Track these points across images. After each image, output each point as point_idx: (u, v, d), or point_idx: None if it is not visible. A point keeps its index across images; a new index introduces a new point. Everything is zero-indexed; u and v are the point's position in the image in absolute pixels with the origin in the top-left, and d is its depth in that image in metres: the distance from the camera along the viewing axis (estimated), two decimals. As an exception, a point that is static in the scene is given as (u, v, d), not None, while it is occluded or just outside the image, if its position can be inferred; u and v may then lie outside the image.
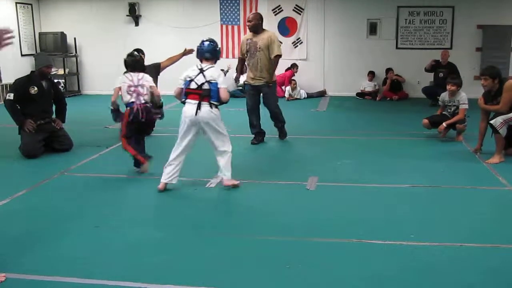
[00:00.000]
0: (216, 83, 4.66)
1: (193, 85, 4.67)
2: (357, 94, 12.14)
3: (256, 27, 6.72)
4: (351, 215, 4.23)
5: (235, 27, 12.74)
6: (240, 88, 12.64)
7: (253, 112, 6.98)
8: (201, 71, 4.68)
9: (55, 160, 6.13)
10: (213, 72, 4.70)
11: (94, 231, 3.89)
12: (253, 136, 7.05)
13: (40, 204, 4.57)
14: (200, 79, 4.65)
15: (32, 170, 5.77)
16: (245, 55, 6.88)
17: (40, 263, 3.33)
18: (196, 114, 4.63)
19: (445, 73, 10.00)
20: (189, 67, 4.80)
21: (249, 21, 6.77)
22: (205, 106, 4.66)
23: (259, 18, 6.77)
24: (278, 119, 7.12)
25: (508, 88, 5.77)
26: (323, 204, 4.53)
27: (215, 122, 4.72)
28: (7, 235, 3.77)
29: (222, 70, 5.09)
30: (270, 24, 12.25)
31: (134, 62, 5.48)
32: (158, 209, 4.48)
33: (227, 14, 12.68)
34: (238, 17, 12.65)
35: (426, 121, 7.25)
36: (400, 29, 12.14)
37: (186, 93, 4.72)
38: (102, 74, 13.16)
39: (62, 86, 12.89)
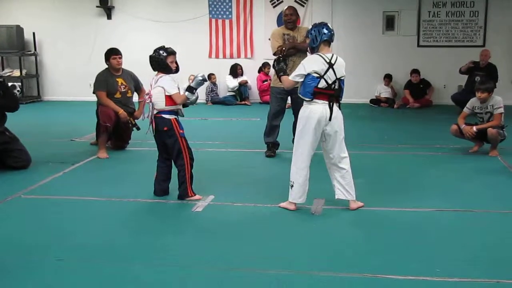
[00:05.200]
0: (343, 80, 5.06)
1: (322, 84, 4.93)
2: (371, 100, 12.22)
3: (295, 22, 7.29)
4: (364, 244, 4.24)
5: (226, 22, 12.83)
6: (233, 94, 12.71)
7: (278, 119, 7.19)
8: (331, 65, 4.96)
9: (9, 180, 6.11)
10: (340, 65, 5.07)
11: (57, 265, 3.87)
12: (267, 146, 7.21)
13: (-9, 232, 4.55)
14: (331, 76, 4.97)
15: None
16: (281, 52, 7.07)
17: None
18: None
19: (482, 77, 10.01)
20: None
21: (286, 15, 7.25)
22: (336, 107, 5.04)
23: (297, 13, 7.45)
24: None
25: None
26: (331, 232, 4.54)
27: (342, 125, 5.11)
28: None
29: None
30: (269, 18, 12.39)
31: (151, 61, 5.31)
32: (133, 239, 4.47)
33: (217, 7, 12.78)
34: (230, 9, 12.76)
35: (455, 127, 7.28)
36: (423, 23, 12.25)
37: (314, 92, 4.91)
38: (67, 76, 13.22)
39: (18, 91, 12.93)
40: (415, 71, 11.94)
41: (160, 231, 4.57)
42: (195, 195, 5.28)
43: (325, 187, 5.66)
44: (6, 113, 6.58)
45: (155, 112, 5.21)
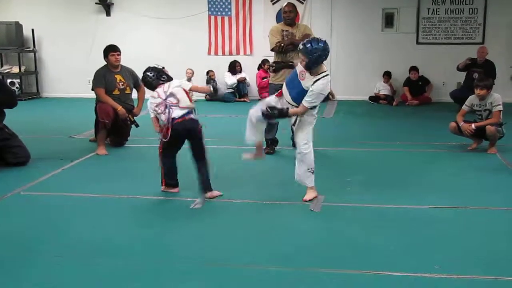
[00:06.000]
0: None
1: None
2: (370, 98, 12.22)
3: (294, 19, 7.39)
4: (364, 241, 4.24)
5: (225, 19, 12.83)
6: (232, 91, 12.70)
7: None
8: None
9: (8, 176, 6.11)
10: None
11: (56, 262, 3.87)
12: (266, 143, 7.23)
13: (-10, 229, 4.56)
14: None
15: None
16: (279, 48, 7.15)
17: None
18: None
19: (480, 74, 10.03)
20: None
21: (285, 11, 7.34)
22: None
23: (296, 9, 7.60)
24: None
25: None
26: (330, 229, 4.54)
27: None
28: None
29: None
30: (268, 15, 12.38)
31: (148, 82, 5.50)
32: (132, 236, 4.46)
33: (217, 4, 12.77)
34: (229, 6, 12.75)
35: (454, 124, 7.29)
36: (422, 20, 12.25)
37: None
38: (66, 73, 13.21)
39: (17, 87, 12.91)
40: (413, 68, 11.94)
41: (159, 227, 4.58)
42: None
43: (324, 184, 5.67)
44: (5, 109, 6.58)
45: (181, 113, 5.19)
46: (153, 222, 4.72)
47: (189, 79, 12.43)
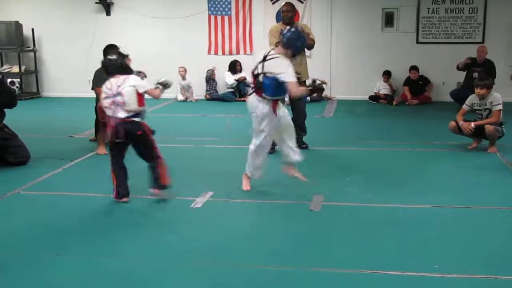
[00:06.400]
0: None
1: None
2: (370, 97, 12.21)
3: (292, 18, 7.38)
4: (363, 241, 4.25)
5: (225, 18, 12.82)
6: (232, 90, 12.70)
7: None
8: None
9: (8, 176, 6.12)
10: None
11: (56, 261, 3.88)
12: None
13: (-10, 228, 4.56)
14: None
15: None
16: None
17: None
18: None
19: (480, 73, 10.02)
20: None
21: (283, 11, 7.38)
22: None
23: (294, 9, 7.58)
24: (301, 128, 7.35)
25: None
26: (330, 228, 4.54)
27: None
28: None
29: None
30: (268, 14, 12.37)
31: (109, 65, 5.09)
32: (132, 235, 4.47)
33: (217, 3, 12.76)
34: (229, 6, 12.74)
35: (453, 123, 7.29)
36: (422, 19, 12.24)
37: None
38: (66, 72, 13.20)
39: (17, 87, 12.91)
40: (414, 68, 11.92)
41: (159, 227, 4.58)
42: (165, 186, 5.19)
43: (324, 183, 5.67)
44: (5, 109, 6.58)
45: (123, 115, 4.90)
46: (153, 222, 4.72)
47: (183, 78, 12.43)
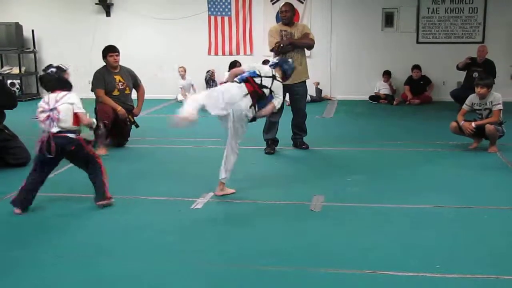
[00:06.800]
0: None
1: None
2: (370, 97, 12.21)
3: (291, 18, 7.34)
4: (364, 241, 4.24)
5: (225, 19, 12.82)
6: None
7: (277, 115, 6.99)
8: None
9: (8, 177, 6.12)
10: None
11: (56, 262, 3.87)
12: (266, 143, 7.23)
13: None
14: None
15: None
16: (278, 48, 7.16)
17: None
18: None
19: (480, 73, 10.00)
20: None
21: (282, 11, 7.33)
22: None
23: (293, 9, 7.51)
24: (302, 128, 7.38)
25: None
26: (330, 228, 4.53)
27: None
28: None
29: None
30: (268, 15, 12.37)
31: (48, 80, 5.06)
32: (133, 235, 4.46)
33: (217, 4, 12.76)
34: (229, 6, 12.74)
35: (454, 124, 7.28)
36: (422, 19, 12.24)
37: None
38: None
39: (17, 88, 12.91)
40: (416, 67, 11.92)
41: (159, 228, 4.57)
42: (111, 196, 5.10)
43: (324, 184, 5.67)
44: (5, 110, 6.57)
45: (55, 130, 4.85)
46: (153, 223, 4.71)
47: (182, 77, 12.41)
